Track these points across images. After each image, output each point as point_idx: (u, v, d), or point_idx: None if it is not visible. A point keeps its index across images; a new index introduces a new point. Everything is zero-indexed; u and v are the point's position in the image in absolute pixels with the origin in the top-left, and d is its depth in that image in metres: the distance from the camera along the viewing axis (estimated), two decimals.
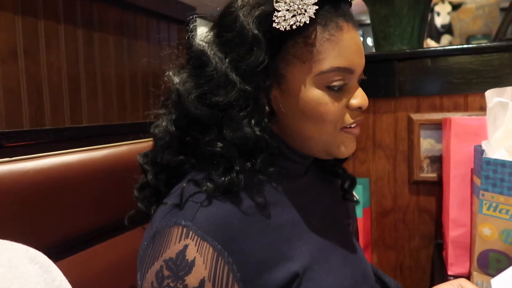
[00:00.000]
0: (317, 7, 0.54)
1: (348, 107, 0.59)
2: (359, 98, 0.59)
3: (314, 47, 0.55)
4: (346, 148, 0.61)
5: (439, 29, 3.11)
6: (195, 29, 0.61)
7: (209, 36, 0.59)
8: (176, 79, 0.59)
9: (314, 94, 0.56)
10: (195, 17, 0.62)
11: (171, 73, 0.60)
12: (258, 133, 0.54)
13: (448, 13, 3.05)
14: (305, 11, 0.53)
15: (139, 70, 1.25)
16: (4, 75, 0.88)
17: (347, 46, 0.56)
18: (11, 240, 0.57)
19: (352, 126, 0.61)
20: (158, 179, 0.61)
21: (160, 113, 0.62)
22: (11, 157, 0.68)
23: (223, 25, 0.58)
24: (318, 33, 0.55)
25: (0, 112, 0.87)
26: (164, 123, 0.60)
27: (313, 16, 0.54)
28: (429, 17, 3.06)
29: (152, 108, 0.64)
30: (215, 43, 0.58)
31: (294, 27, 0.54)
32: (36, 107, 0.95)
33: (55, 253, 0.56)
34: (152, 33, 1.30)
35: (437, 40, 3.17)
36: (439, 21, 3.10)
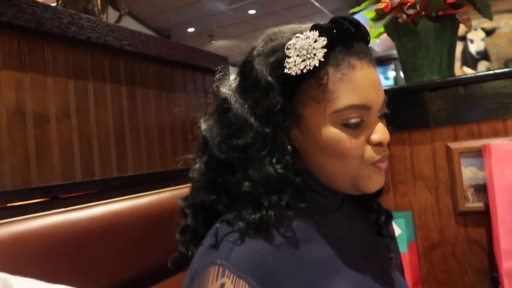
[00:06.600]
0: (326, 50, 0.57)
1: (369, 142, 0.60)
2: (379, 133, 0.60)
3: (327, 87, 0.58)
4: (372, 183, 0.61)
5: (475, 56, 3.06)
6: (221, 78, 0.67)
7: (233, 84, 0.64)
8: (204, 126, 0.64)
9: (331, 132, 0.59)
10: (222, 68, 0.68)
11: (202, 120, 0.65)
12: (280, 171, 0.57)
13: (482, 39, 3.00)
14: (315, 55, 0.57)
15: (178, 120, 1.33)
16: (60, 133, 0.97)
17: (360, 84, 0.58)
18: (68, 285, 0.62)
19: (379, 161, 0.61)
20: (197, 220, 0.64)
21: (195, 157, 0.66)
22: (66, 207, 0.74)
23: (243, 73, 0.63)
24: (330, 74, 0.58)
25: (56, 167, 0.96)
26: (197, 166, 0.64)
27: (323, 59, 0.57)
28: (462, 45, 3.03)
29: (188, 153, 0.68)
30: (237, 90, 0.63)
31: (304, 71, 0.57)
32: (87, 160, 1.03)
33: None
34: (188, 84, 1.39)
35: (474, 67, 3.12)
36: (473, 48, 3.05)
